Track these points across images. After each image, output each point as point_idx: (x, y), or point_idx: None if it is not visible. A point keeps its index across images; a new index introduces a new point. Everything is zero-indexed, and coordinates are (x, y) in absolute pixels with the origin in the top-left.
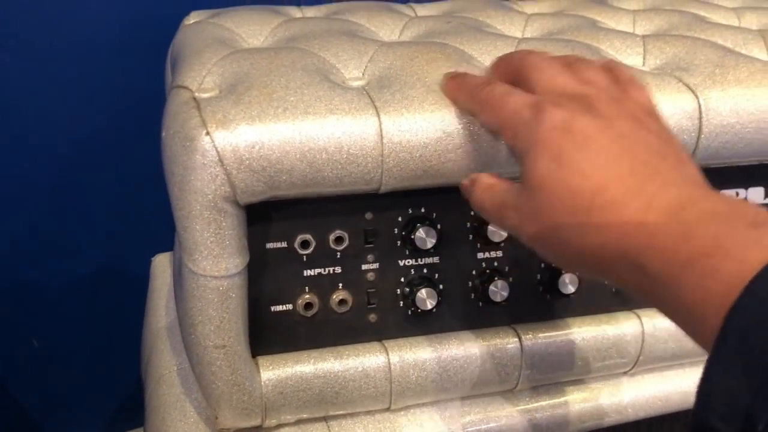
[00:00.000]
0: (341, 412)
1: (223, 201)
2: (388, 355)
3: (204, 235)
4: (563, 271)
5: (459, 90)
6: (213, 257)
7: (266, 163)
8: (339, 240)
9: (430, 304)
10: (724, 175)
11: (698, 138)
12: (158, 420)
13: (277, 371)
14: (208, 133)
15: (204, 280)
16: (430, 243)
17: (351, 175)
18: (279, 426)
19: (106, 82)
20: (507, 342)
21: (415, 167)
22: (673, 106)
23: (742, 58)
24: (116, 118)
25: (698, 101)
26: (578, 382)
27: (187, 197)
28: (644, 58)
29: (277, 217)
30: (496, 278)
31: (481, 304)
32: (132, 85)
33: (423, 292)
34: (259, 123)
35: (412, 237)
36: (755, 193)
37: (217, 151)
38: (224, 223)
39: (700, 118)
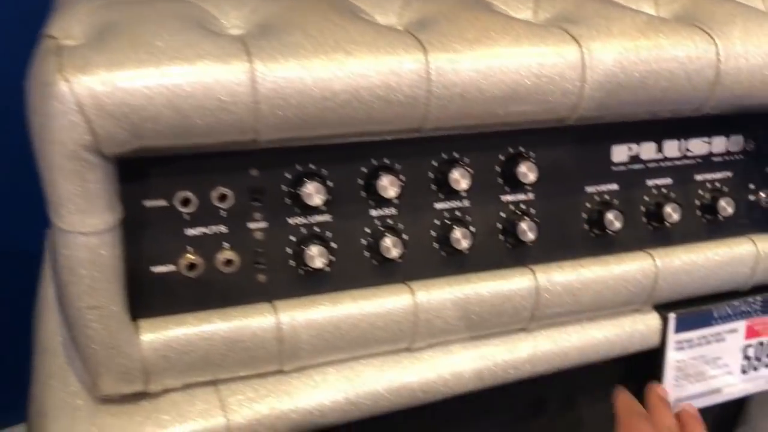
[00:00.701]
0: (231, 376)
1: (86, 151)
2: (277, 315)
3: (68, 188)
4: (456, 228)
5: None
6: (79, 212)
7: (128, 109)
8: (222, 197)
9: (320, 263)
10: (616, 129)
11: (582, 88)
12: (39, 391)
13: (159, 334)
14: (66, 79)
15: (72, 237)
16: (320, 200)
17: (223, 123)
18: (165, 391)
19: None
20: (401, 299)
21: (293, 116)
22: (558, 56)
23: (629, 11)
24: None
25: (582, 51)
26: (475, 339)
27: (47, 148)
28: (535, 12)
29: (155, 174)
30: (389, 235)
31: (375, 262)
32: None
33: (313, 250)
34: (122, 68)
35: (301, 194)
36: (647, 148)
37: (76, 97)
38: (89, 176)
39: (583, 67)
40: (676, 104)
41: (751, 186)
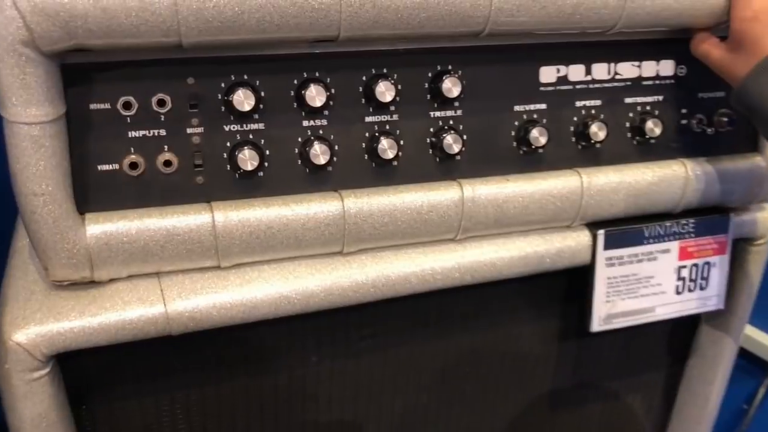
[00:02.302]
0: (171, 269)
1: (24, 46)
2: (213, 213)
3: (10, 80)
4: (383, 139)
5: None
6: (22, 104)
7: (59, 7)
8: (161, 103)
9: (251, 165)
10: (545, 51)
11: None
12: (4, 286)
13: (103, 226)
14: None
15: (17, 127)
16: (249, 107)
17: (147, 23)
18: (112, 281)
19: None
20: (331, 206)
21: (211, 18)
22: None
23: None
24: None
25: None
26: (405, 246)
27: None
28: None
29: (100, 79)
30: (319, 143)
31: (307, 169)
32: None
33: (246, 154)
34: None
35: (233, 101)
36: (576, 70)
37: None
38: (29, 70)
39: None
40: (588, 21)
41: (683, 110)
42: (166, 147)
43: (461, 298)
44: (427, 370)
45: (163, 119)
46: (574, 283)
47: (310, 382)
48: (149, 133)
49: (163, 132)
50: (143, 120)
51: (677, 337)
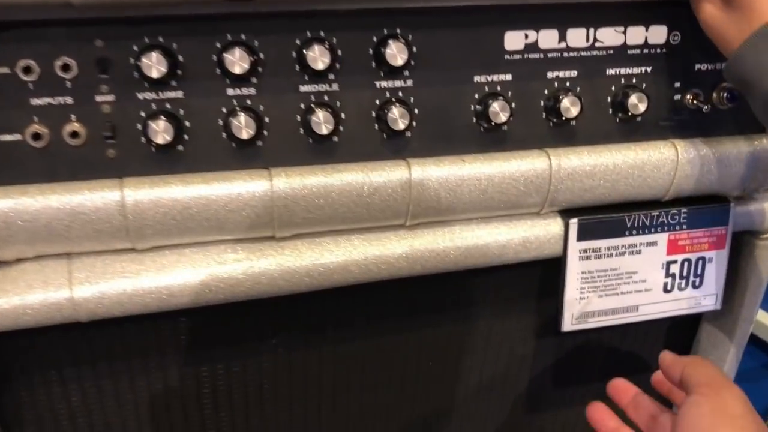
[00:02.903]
0: (81, 250)
1: None
2: (122, 191)
3: None
4: (320, 111)
5: None
6: None
7: None
8: (66, 68)
9: (164, 138)
10: (510, 14)
11: None
12: None
13: (2, 201)
14: None
15: None
16: (160, 73)
17: None
18: (19, 260)
19: None
20: (257, 184)
21: None
22: None
23: None
24: None
25: None
26: (347, 232)
27: None
28: None
29: None
30: (243, 114)
31: (233, 144)
32: None
33: (161, 126)
34: None
35: (144, 67)
36: (548, 36)
37: None
38: None
39: None
40: None
41: (676, 84)
42: (72, 116)
43: (418, 289)
44: (378, 366)
45: (69, 86)
46: (550, 275)
47: (242, 374)
48: (54, 100)
49: (69, 100)
50: (47, 86)
51: (675, 338)
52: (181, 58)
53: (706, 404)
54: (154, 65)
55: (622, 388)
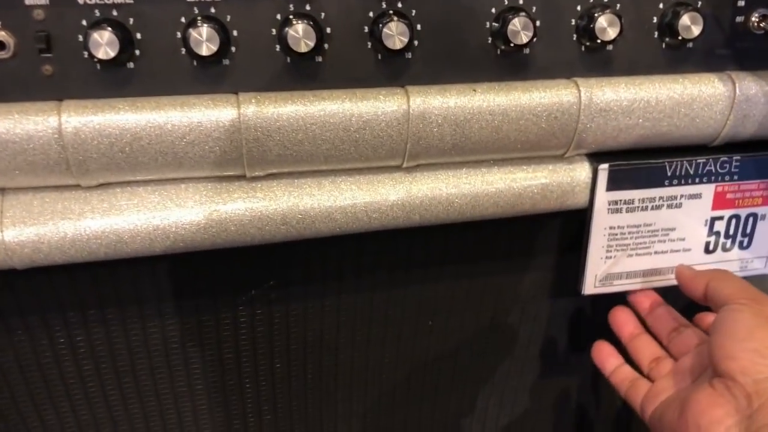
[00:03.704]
0: (14, 185)
1: None
2: (60, 116)
3: None
4: (298, 24)
5: None
6: None
7: None
8: None
9: (110, 53)
10: None
11: None
12: None
13: None
14: None
15: None
16: None
17: None
18: None
19: None
20: (221, 112)
21: None
22: None
23: None
24: None
25: None
26: (332, 173)
27: None
28: None
29: None
30: (208, 26)
31: (195, 63)
32: None
33: (103, 36)
34: None
35: None
36: None
37: None
38: None
39: None
40: None
41: (740, 2)
42: None
43: (416, 240)
44: (372, 323)
45: None
46: (572, 228)
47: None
48: None
49: None
50: None
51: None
52: None
53: (746, 310)
54: None
55: (643, 296)
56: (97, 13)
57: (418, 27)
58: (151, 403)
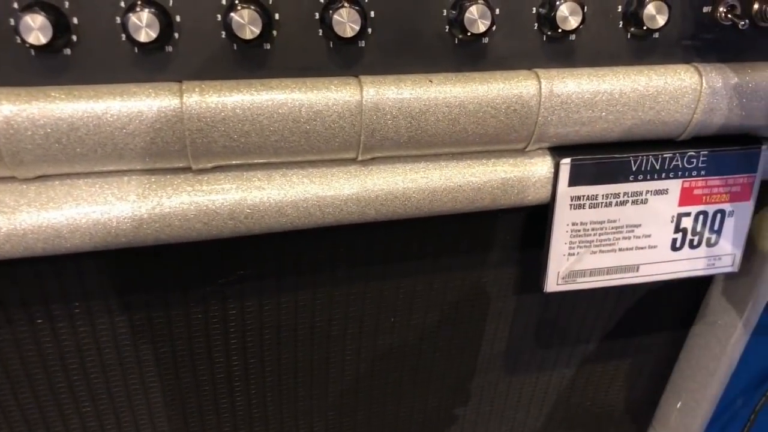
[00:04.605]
0: None
1: None
2: None
3: None
4: (244, 9)
5: None
6: None
7: None
8: None
9: (43, 38)
10: None
11: None
12: None
13: None
14: None
15: None
16: None
17: None
18: None
19: None
20: (162, 101)
21: None
22: None
23: None
24: None
25: None
26: (284, 166)
27: None
28: None
29: None
30: (148, 10)
31: (135, 49)
32: None
33: (35, 21)
34: None
35: None
36: None
37: None
38: None
39: None
40: None
41: None
42: None
43: (373, 234)
44: (329, 319)
45: None
46: (534, 223)
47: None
48: None
49: None
50: None
51: (680, 297)
52: None
53: None
54: None
55: None
56: None
57: (372, 14)
58: (104, 402)
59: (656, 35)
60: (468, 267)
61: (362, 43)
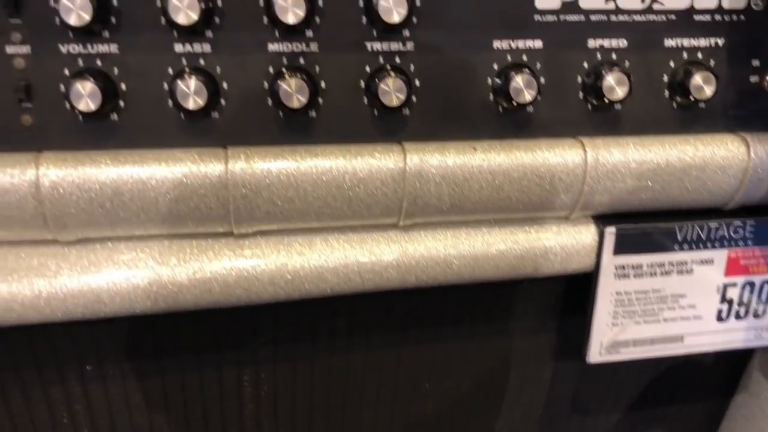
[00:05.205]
0: None
1: None
2: (38, 169)
3: None
4: (291, 78)
5: None
6: None
7: None
8: None
9: (92, 105)
10: None
11: None
12: None
13: None
14: None
15: None
16: (85, 20)
17: None
18: None
19: None
20: (207, 167)
21: None
22: None
23: None
24: None
25: None
26: (325, 231)
27: None
28: None
29: None
30: (193, 78)
31: (182, 115)
32: None
33: (85, 87)
34: None
35: (61, 10)
36: None
37: None
38: None
39: None
40: None
41: (755, 63)
42: None
43: (412, 299)
44: (366, 384)
45: None
46: (577, 290)
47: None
48: None
49: None
50: None
51: (721, 366)
52: (115, 1)
53: None
54: (77, 9)
55: None
56: (81, 62)
57: (417, 82)
58: None
59: (703, 105)
60: (505, 333)
61: (406, 111)
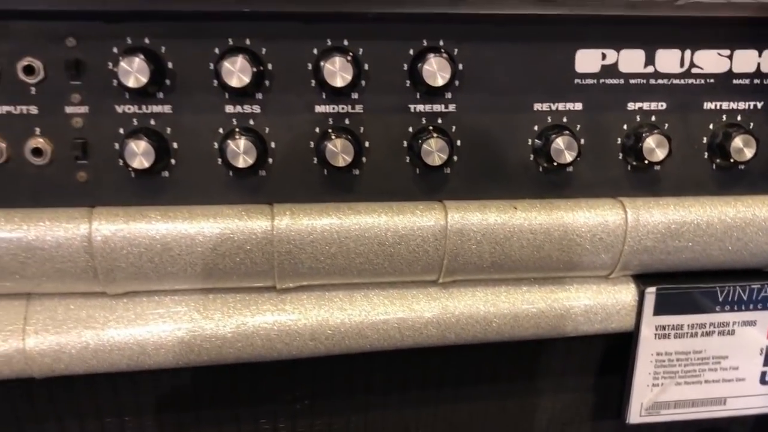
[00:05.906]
0: (40, 291)
1: None
2: (90, 224)
3: None
4: (337, 138)
5: None
6: None
7: None
8: (30, 70)
9: (145, 162)
10: (584, 29)
11: None
12: None
13: None
14: None
15: None
16: (142, 82)
17: None
18: None
19: None
20: (255, 223)
21: None
22: None
23: None
24: None
25: None
26: (365, 287)
27: None
28: None
29: None
30: (243, 137)
31: (230, 172)
32: None
33: (139, 146)
34: None
35: (120, 74)
36: (631, 57)
37: None
38: None
39: None
40: None
41: None
42: (37, 130)
43: (449, 356)
44: None
45: (33, 92)
46: (617, 349)
47: None
48: (15, 109)
49: (33, 109)
50: (7, 92)
51: (762, 426)
52: (170, 64)
53: None
54: (135, 72)
55: None
56: (135, 122)
57: (458, 143)
58: None
59: (743, 167)
60: (543, 391)
61: (448, 170)
